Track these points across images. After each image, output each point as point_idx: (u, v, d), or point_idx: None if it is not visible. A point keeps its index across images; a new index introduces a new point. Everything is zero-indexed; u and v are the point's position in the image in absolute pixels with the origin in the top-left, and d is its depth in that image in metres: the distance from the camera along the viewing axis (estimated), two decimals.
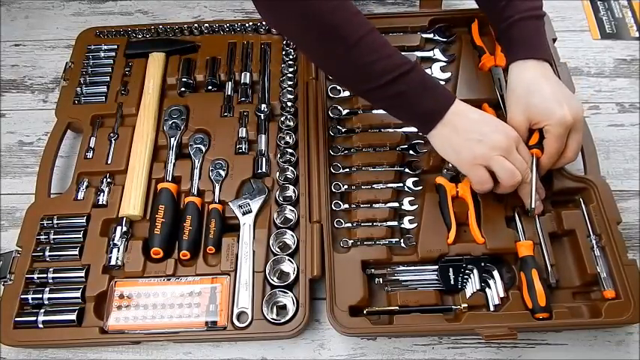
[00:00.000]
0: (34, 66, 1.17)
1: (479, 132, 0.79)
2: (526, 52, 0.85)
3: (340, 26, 0.76)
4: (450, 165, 0.90)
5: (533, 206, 0.83)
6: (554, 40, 1.02)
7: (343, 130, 0.98)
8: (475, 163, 0.80)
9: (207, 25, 1.12)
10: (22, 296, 0.84)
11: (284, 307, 0.83)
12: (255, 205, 0.91)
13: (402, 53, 0.80)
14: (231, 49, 1.09)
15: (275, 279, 0.85)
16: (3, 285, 0.86)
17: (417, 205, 0.91)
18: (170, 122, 1.00)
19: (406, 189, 0.92)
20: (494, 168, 0.80)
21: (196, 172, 0.95)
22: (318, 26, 0.76)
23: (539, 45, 0.86)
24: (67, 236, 0.90)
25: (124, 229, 0.89)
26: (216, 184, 0.93)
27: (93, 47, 1.11)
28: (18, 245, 0.89)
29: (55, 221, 0.90)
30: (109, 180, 0.95)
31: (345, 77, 0.86)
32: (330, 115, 0.99)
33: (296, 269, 0.85)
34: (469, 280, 0.84)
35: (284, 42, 1.10)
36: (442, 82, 1.02)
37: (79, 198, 0.93)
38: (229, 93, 1.04)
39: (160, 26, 1.12)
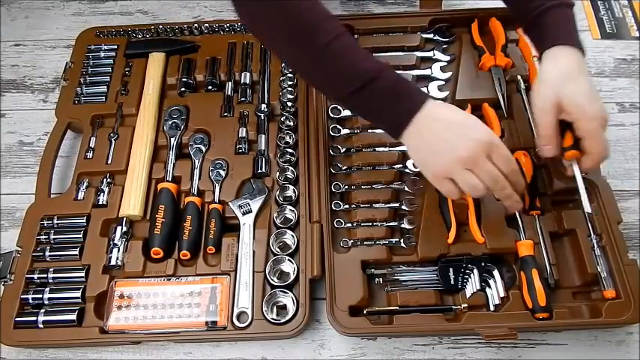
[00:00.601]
0: (34, 66, 1.17)
1: (443, 141, 0.73)
2: (561, 39, 0.80)
3: (308, 30, 0.73)
4: None
5: (589, 211, 0.82)
6: None
7: (343, 131, 0.98)
8: (439, 177, 0.75)
9: (207, 25, 1.12)
10: (22, 296, 0.84)
11: (284, 307, 0.83)
12: (255, 205, 0.91)
13: (376, 55, 0.78)
14: (231, 49, 1.09)
15: (275, 279, 0.85)
16: (3, 285, 0.86)
17: (417, 205, 0.91)
18: (170, 122, 1.00)
19: (406, 189, 0.92)
20: (457, 181, 0.74)
21: (196, 172, 0.95)
22: (287, 29, 0.74)
23: (573, 32, 0.81)
24: (67, 236, 0.90)
25: (124, 229, 0.89)
26: (216, 184, 0.93)
27: (93, 47, 1.11)
28: (18, 245, 0.89)
29: (55, 221, 0.90)
30: (109, 180, 0.95)
31: (315, 84, 0.85)
32: (330, 115, 0.99)
33: (296, 269, 0.85)
34: (469, 280, 0.84)
35: None
36: (442, 82, 1.03)
37: (79, 198, 0.93)
38: (229, 93, 1.04)
39: (160, 26, 1.12)
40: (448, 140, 0.73)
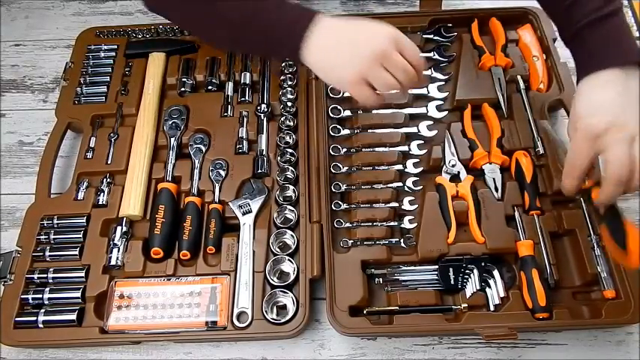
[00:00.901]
0: (34, 66, 1.17)
1: (352, 44, 0.70)
2: (596, 65, 0.71)
3: None
4: (450, 164, 0.91)
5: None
6: (555, 39, 1.03)
7: (343, 131, 0.98)
8: (355, 82, 0.71)
9: None
10: (22, 296, 0.84)
11: (284, 307, 0.83)
12: (255, 205, 0.91)
13: None
14: None
15: (275, 279, 0.85)
16: (3, 285, 0.86)
17: (417, 205, 0.91)
18: (170, 122, 1.00)
19: (406, 189, 0.92)
20: (371, 81, 0.70)
21: (196, 172, 0.95)
22: None
23: (614, 49, 0.71)
24: (67, 236, 0.90)
25: (124, 229, 0.89)
26: (216, 184, 0.93)
27: (93, 47, 1.11)
28: (18, 245, 0.89)
29: (55, 221, 0.90)
30: (109, 180, 0.95)
31: (207, 27, 0.82)
32: (330, 115, 0.99)
33: (296, 269, 0.85)
34: (469, 280, 0.84)
35: None
36: (442, 82, 1.03)
37: (79, 198, 0.93)
38: (229, 93, 1.04)
39: (160, 26, 1.12)
40: (357, 42, 0.70)
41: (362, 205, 0.91)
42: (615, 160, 0.70)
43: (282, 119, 0.99)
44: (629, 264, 0.73)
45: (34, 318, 0.82)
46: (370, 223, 0.89)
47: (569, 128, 0.77)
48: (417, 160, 0.95)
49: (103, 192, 0.93)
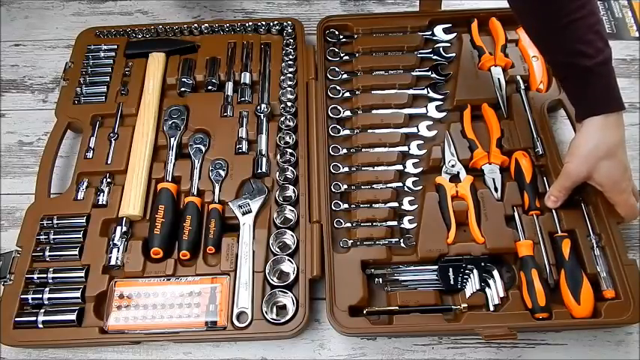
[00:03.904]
0: (34, 66, 1.17)
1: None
2: (604, 107, 0.79)
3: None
4: (450, 164, 0.91)
5: None
6: None
7: (343, 131, 0.98)
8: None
9: (207, 25, 1.12)
10: (22, 296, 0.84)
11: (284, 307, 0.83)
12: (255, 205, 0.91)
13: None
14: (231, 49, 1.09)
15: (275, 279, 0.85)
16: (3, 285, 0.86)
17: (416, 205, 0.91)
18: (170, 122, 1.00)
19: (406, 189, 0.92)
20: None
21: (196, 172, 0.95)
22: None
23: (616, 94, 0.80)
24: (67, 236, 0.90)
25: (124, 229, 0.89)
26: (216, 184, 0.93)
27: (93, 47, 1.11)
28: (18, 245, 0.89)
29: (55, 221, 0.90)
30: (108, 180, 0.95)
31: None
32: (330, 115, 0.99)
33: (296, 269, 0.85)
34: (469, 280, 0.84)
35: (284, 42, 1.10)
36: (442, 82, 1.03)
37: (79, 198, 0.93)
38: (229, 93, 1.04)
39: (160, 26, 1.12)
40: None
41: (362, 205, 0.91)
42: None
43: (282, 119, 0.99)
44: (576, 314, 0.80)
45: (34, 318, 0.82)
46: (370, 223, 0.89)
47: (569, 158, 0.84)
48: (417, 160, 0.95)
49: (103, 192, 0.93)
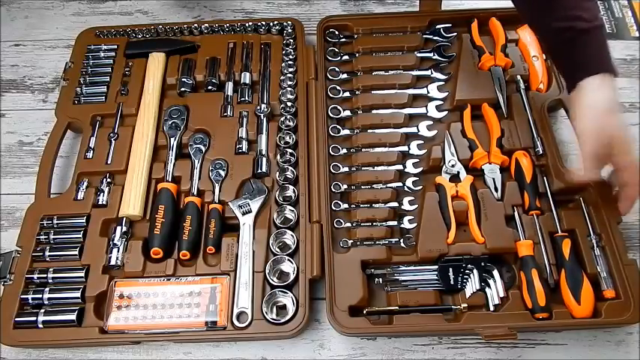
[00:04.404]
0: (34, 66, 1.17)
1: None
2: (599, 66, 0.80)
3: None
4: (450, 164, 0.91)
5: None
6: None
7: (343, 131, 0.98)
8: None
9: (207, 25, 1.12)
10: (22, 296, 0.84)
11: (284, 307, 0.83)
12: (255, 205, 0.91)
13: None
14: (231, 49, 1.09)
15: (275, 279, 0.85)
16: (3, 285, 0.86)
17: (416, 205, 0.91)
18: (170, 122, 1.00)
19: (406, 189, 0.92)
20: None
21: (196, 172, 0.95)
22: None
23: (609, 58, 0.81)
24: (67, 236, 0.90)
25: (124, 229, 0.89)
26: (216, 184, 0.93)
27: (93, 47, 1.11)
28: (18, 245, 0.89)
29: (55, 221, 0.90)
30: (108, 180, 0.95)
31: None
32: (330, 115, 0.99)
33: (296, 269, 0.85)
34: (469, 280, 0.84)
35: (284, 42, 1.10)
36: (442, 82, 1.03)
37: (79, 198, 0.93)
38: (229, 93, 1.04)
39: (160, 26, 1.12)
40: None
41: (362, 205, 0.91)
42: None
43: (282, 119, 0.99)
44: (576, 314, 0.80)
45: (34, 318, 0.82)
46: (370, 223, 0.89)
47: (579, 126, 0.82)
48: (417, 160, 0.95)
49: (103, 192, 0.93)
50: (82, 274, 0.86)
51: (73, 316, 0.82)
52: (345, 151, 0.96)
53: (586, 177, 0.82)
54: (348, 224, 0.89)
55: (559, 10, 0.80)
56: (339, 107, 1.00)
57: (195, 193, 0.93)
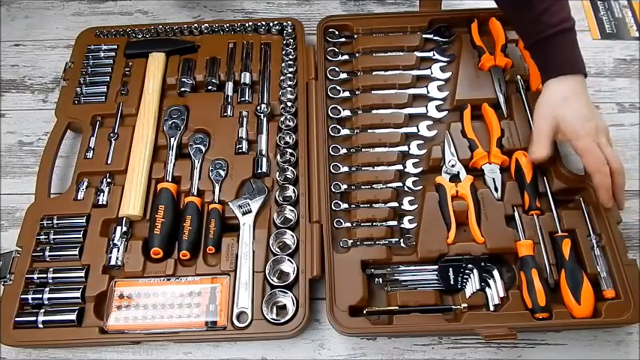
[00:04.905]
0: (34, 66, 1.17)
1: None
2: (560, 69, 0.87)
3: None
4: (449, 164, 0.91)
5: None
6: None
7: (343, 131, 0.98)
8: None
9: (207, 25, 1.12)
10: (22, 296, 0.84)
11: (284, 307, 0.83)
12: (255, 205, 0.91)
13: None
14: (231, 49, 1.09)
15: (275, 279, 0.85)
16: (3, 285, 0.86)
17: (416, 205, 0.91)
18: (170, 122, 1.00)
19: (406, 189, 0.92)
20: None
21: (196, 172, 0.95)
22: None
23: (573, 59, 0.87)
24: (67, 236, 0.90)
25: (124, 229, 0.89)
26: (216, 184, 0.93)
27: (93, 47, 1.11)
28: (18, 245, 0.89)
29: (55, 221, 0.90)
30: (108, 180, 0.95)
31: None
32: (330, 115, 0.99)
33: (296, 269, 0.85)
34: (469, 280, 0.84)
35: (284, 42, 1.10)
36: (442, 82, 1.03)
37: (79, 198, 0.93)
38: (229, 93, 1.04)
39: (160, 26, 1.12)
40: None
41: (362, 205, 0.91)
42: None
43: (282, 119, 0.99)
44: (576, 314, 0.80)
45: (34, 318, 0.82)
46: (370, 223, 0.89)
47: (534, 116, 0.89)
48: (417, 160, 0.95)
49: (103, 192, 0.93)
50: (82, 274, 0.86)
51: (73, 316, 0.82)
52: (345, 151, 0.96)
53: (536, 154, 0.87)
54: (348, 224, 0.89)
55: (530, 11, 0.86)
56: (339, 107, 1.00)
57: (195, 193, 0.93)
